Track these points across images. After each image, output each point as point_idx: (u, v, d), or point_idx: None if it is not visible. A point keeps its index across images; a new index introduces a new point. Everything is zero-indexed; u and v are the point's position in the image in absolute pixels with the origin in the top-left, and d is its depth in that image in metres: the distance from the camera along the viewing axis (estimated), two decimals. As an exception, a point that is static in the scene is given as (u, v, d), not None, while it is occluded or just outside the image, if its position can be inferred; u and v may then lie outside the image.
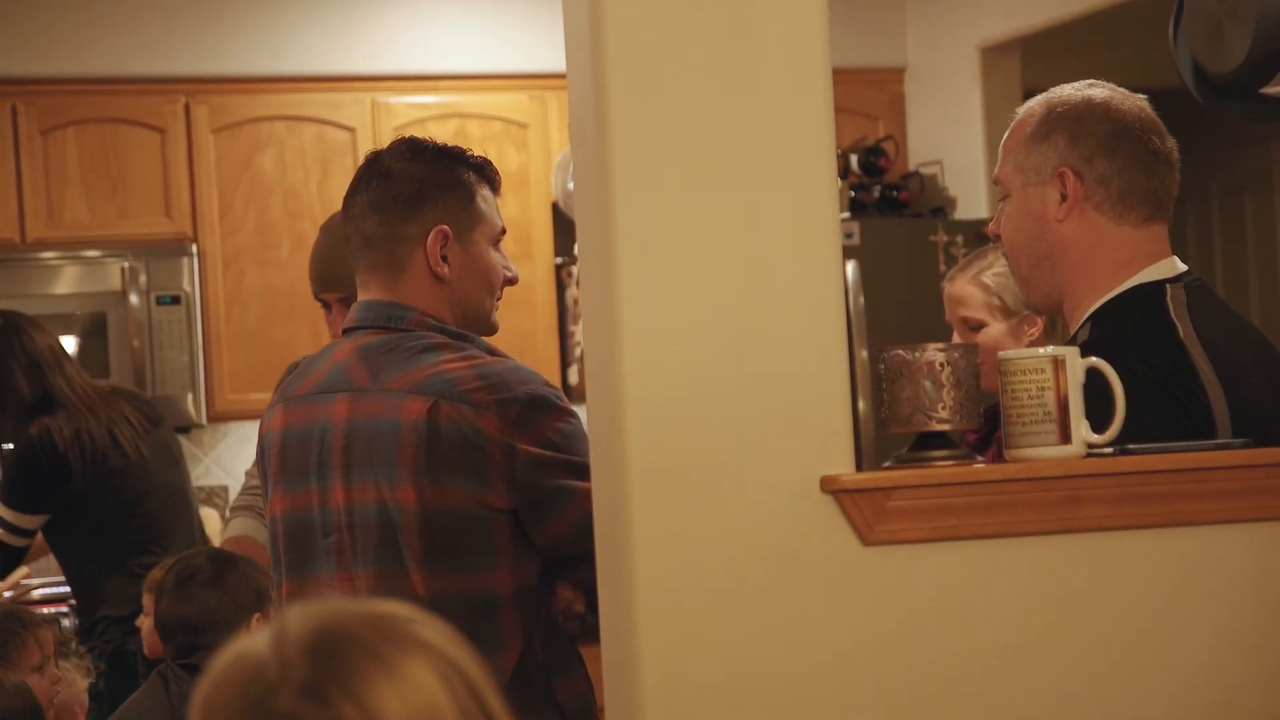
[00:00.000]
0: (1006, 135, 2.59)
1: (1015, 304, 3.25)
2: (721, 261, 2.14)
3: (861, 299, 5.88)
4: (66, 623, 5.23)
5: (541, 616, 2.56)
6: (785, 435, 2.14)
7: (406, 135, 2.77)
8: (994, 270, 3.27)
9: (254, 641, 1.35)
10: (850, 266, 5.89)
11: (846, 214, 6.09)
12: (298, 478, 2.57)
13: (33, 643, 3.64)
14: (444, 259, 2.62)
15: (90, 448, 4.68)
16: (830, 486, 2.14)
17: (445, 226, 2.62)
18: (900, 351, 2.21)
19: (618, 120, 2.12)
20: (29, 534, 4.74)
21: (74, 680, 3.87)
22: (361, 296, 2.66)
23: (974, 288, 3.32)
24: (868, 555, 2.15)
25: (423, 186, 2.63)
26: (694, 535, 2.11)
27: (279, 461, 2.61)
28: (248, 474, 3.99)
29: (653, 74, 2.13)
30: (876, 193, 6.26)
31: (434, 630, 1.36)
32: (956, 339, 3.31)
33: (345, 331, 2.66)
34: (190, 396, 5.67)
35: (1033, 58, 6.33)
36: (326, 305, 3.65)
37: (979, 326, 3.30)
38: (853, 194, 6.22)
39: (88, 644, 4.72)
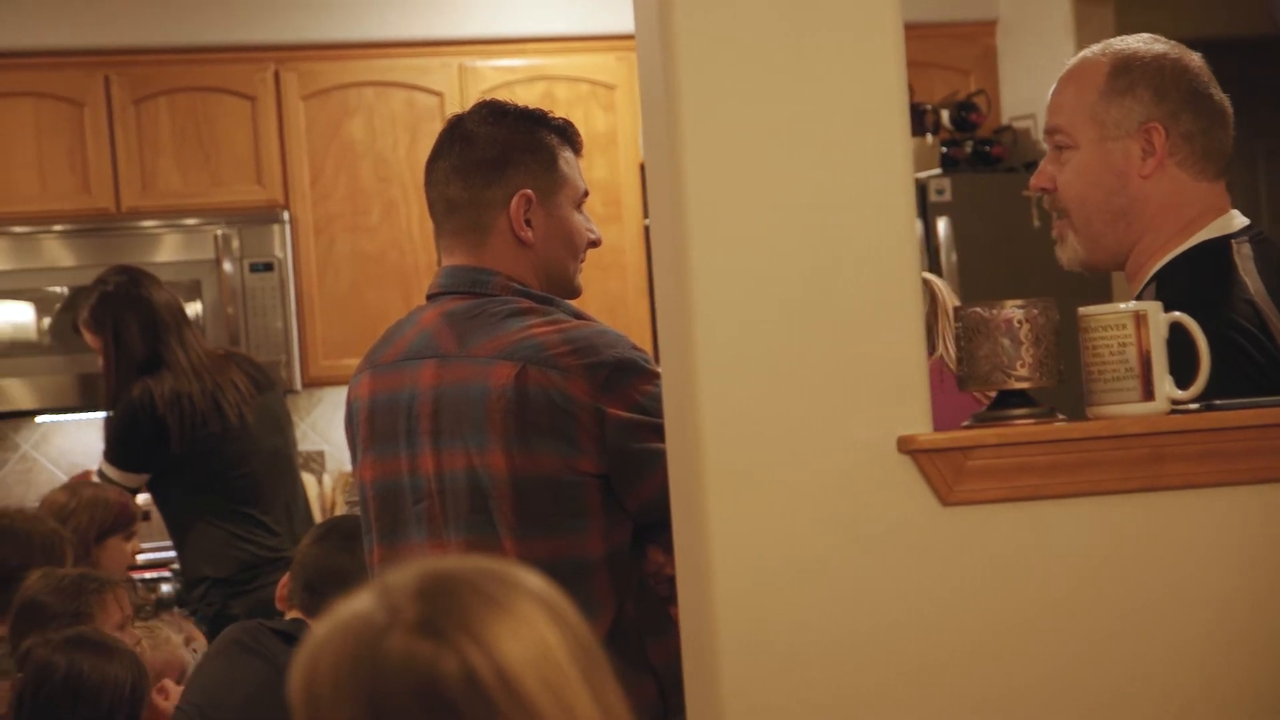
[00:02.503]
0: (1064, 85, 2.53)
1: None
2: (792, 220, 2.12)
3: (954, 256, 5.83)
4: (168, 587, 5.30)
5: (633, 579, 2.56)
6: (860, 395, 2.13)
7: (490, 99, 2.77)
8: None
9: (356, 600, 1.34)
10: (942, 223, 5.84)
11: (938, 170, 6.04)
12: (386, 444, 2.57)
13: (112, 602, 3.68)
14: (527, 223, 2.61)
15: (189, 411, 4.73)
16: (907, 446, 2.12)
17: (529, 190, 2.61)
18: (978, 309, 2.18)
19: (686, 79, 2.11)
20: (132, 492, 4.80)
21: (168, 638, 3.90)
22: (445, 262, 2.65)
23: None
24: (946, 516, 2.13)
25: (505, 150, 2.63)
26: (768, 498, 2.10)
27: (368, 428, 2.61)
28: None
29: (722, 30, 2.11)
30: (969, 148, 6.20)
31: (538, 580, 1.36)
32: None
33: (430, 297, 2.66)
34: (284, 362, 5.71)
35: (1126, 8, 6.24)
36: None
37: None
38: (944, 150, 6.16)
39: (189, 607, 4.78)
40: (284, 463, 4.98)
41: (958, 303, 3.61)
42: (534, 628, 1.31)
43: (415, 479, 2.53)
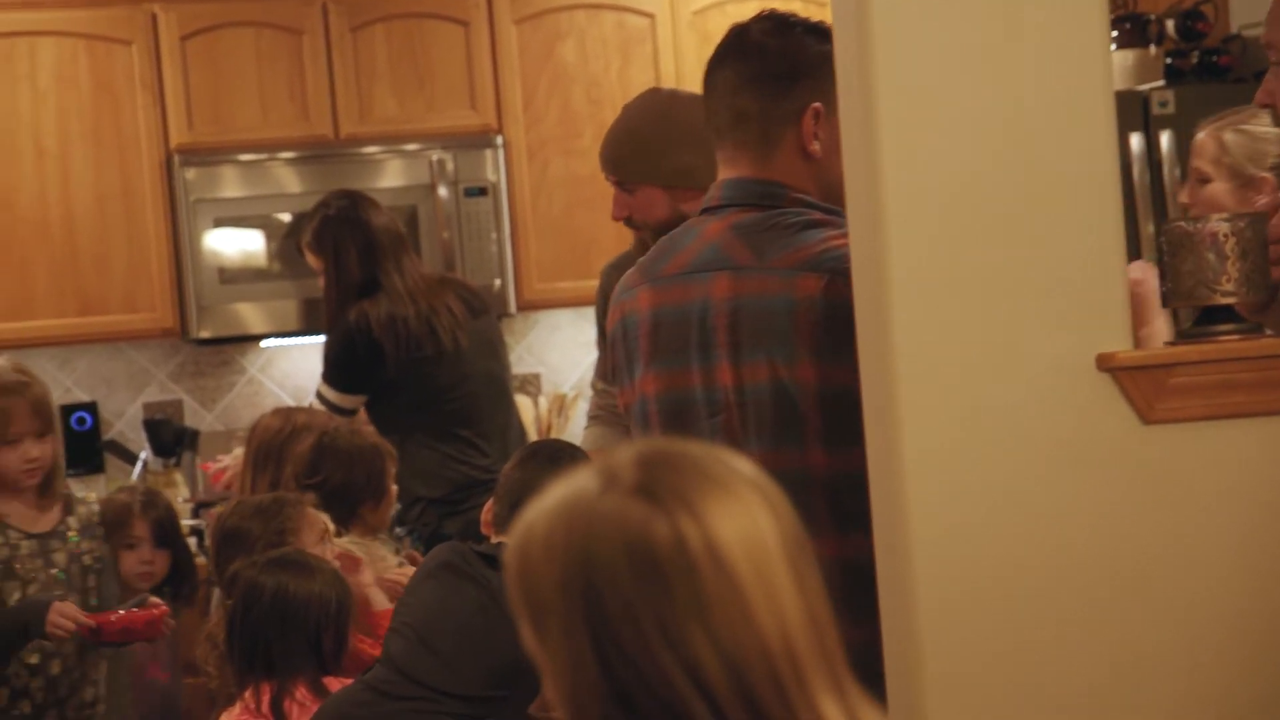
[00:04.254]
0: None
1: (1245, 166, 3.10)
2: (987, 136, 2.08)
3: (1178, 170, 5.67)
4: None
5: None
6: (1058, 313, 2.08)
7: (770, 9, 2.73)
8: (1238, 128, 3.12)
9: (574, 474, 1.36)
10: (1165, 137, 5.68)
11: (1161, 82, 5.87)
12: (674, 357, 2.55)
13: (309, 519, 3.75)
14: (815, 137, 2.57)
15: (404, 335, 4.80)
16: (1107, 364, 2.07)
17: (818, 104, 2.57)
18: (1181, 223, 2.12)
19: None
20: (349, 413, 4.87)
21: (384, 556, 3.97)
22: (726, 174, 2.61)
23: (1210, 141, 3.18)
24: (1147, 435, 2.09)
25: (796, 63, 2.60)
26: (964, 418, 2.07)
27: (650, 341, 2.58)
28: (593, 385, 3.99)
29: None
30: (1195, 58, 6.01)
31: (756, 469, 1.36)
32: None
33: (709, 210, 2.62)
34: (499, 286, 5.76)
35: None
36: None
37: (1206, 180, 3.16)
38: (1169, 61, 5.99)
39: (407, 526, 4.86)
40: (498, 386, 5.02)
41: None
42: (749, 510, 1.31)
43: (710, 392, 2.50)
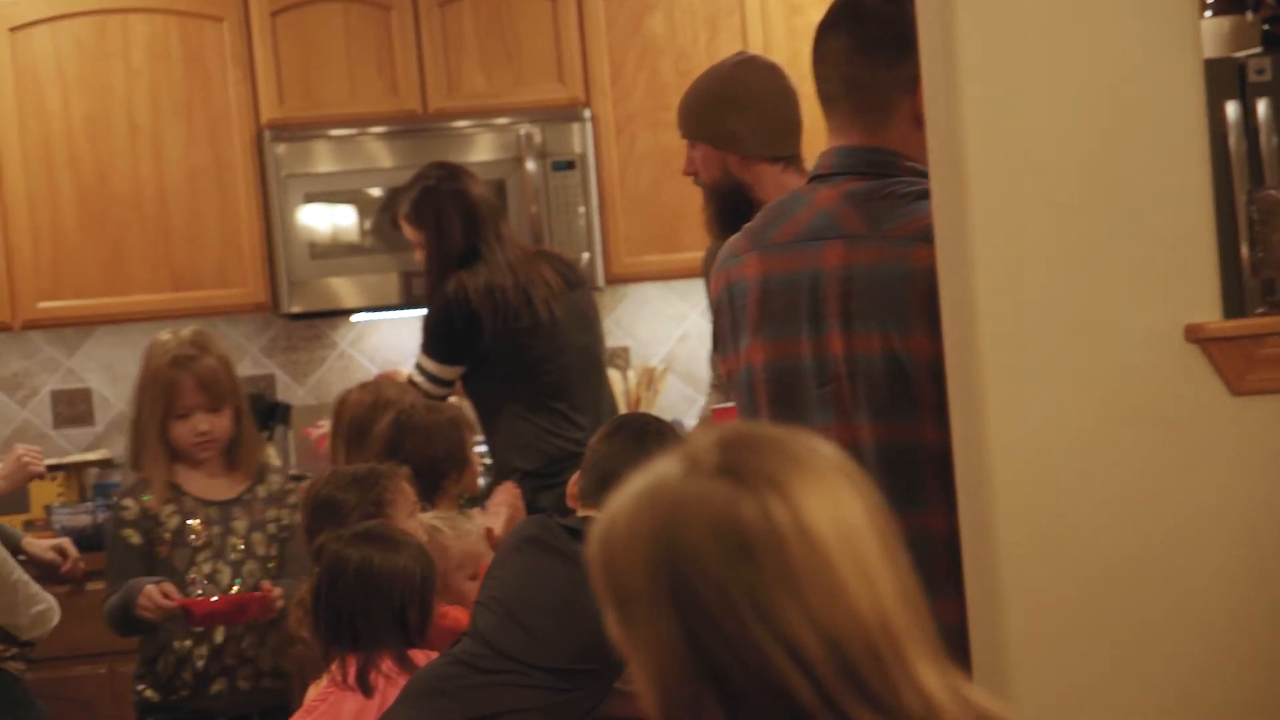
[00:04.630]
0: None
1: None
2: (1073, 104, 2.05)
3: (1275, 139, 5.59)
4: (482, 481, 5.40)
5: None
6: (1146, 283, 2.06)
7: None
8: None
9: (655, 462, 1.36)
10: (1261, 105, 5.60)
11: (1258, 49, 5.78)
12: (783, 326, 2.52)
13: (403, 492, 3.77)
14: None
15: (502, 305, 4.81)
16: (1195, 335, 2.05)
17: None
18: (1272, 191, 2.09)
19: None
20: (448, 384, 4.89)
21: (468, 530, 3.98)
22: (837, 142, 2.58)
23: None
24: (1236, 406, 2.06)
25: (908, 31, 2.56)
26: (1050, 389, 2.05)
27: (758, 309, 2.55)
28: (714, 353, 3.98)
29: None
30: (1292, 25, 5.92)
31: (839, 452, 1.36)
32: None
33: (817, 177, 2.59)
34: (587, 260, 5.76)
35: None
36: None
37: None
38: (1266, 27, 5.90)
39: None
40: (593, 359, 5.03)
41: None
42: (833, 488, 1.31)
43: (820, 361, 2.47)
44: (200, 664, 3.95)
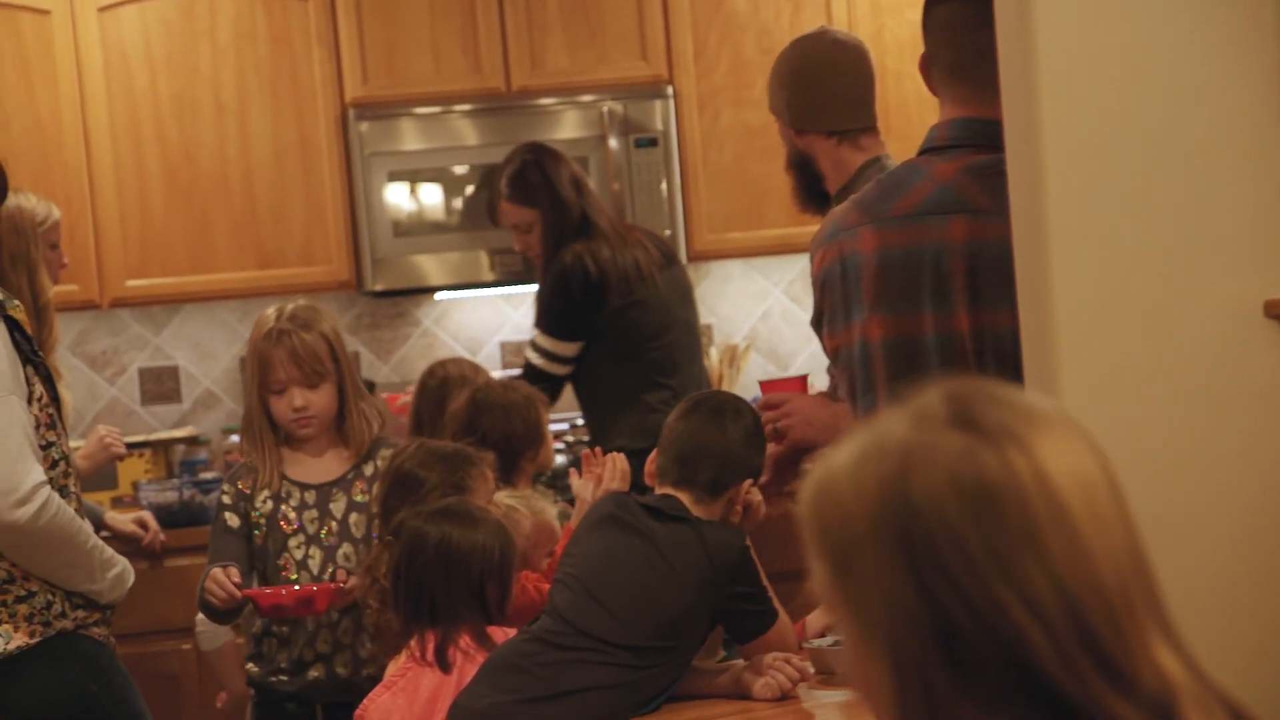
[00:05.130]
0: None
1: None
2: (1150, 78, 2.02)
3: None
4: (562, 459, 5.41)
5: None
6: (1224, 259, 2.03)
7: None
8: None
9: (876, 421, 1.31)
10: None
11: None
12: (903, 301, 2.49)
13: (487, 479, 3.77)
14: None
15: (619, 276, 4.79)
16: (1276, 310, 2.01)
17: None
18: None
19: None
20: (567, 361, 4.86)
21: (542, 508, 3.98)
22: (954, 114, 2.53)
23: None
24: (1317, 384, 2.02)
25: None
26: (1125, 366, 2.03)
27: (876, 284, 2.52)
28: None
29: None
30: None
31: (1075, 417, 1.31)
32: None
33: (933, 150, 2.54)
34: (670, 237, 5.75)
35: None
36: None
37: None
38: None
39: None
40: (694, 335, 5.01)
41: None
42: (1072, 444, 1.26)
43: (944, 338, 2.45)
44: (296, 650, 3.89)
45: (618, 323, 4.80)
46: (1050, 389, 2.05)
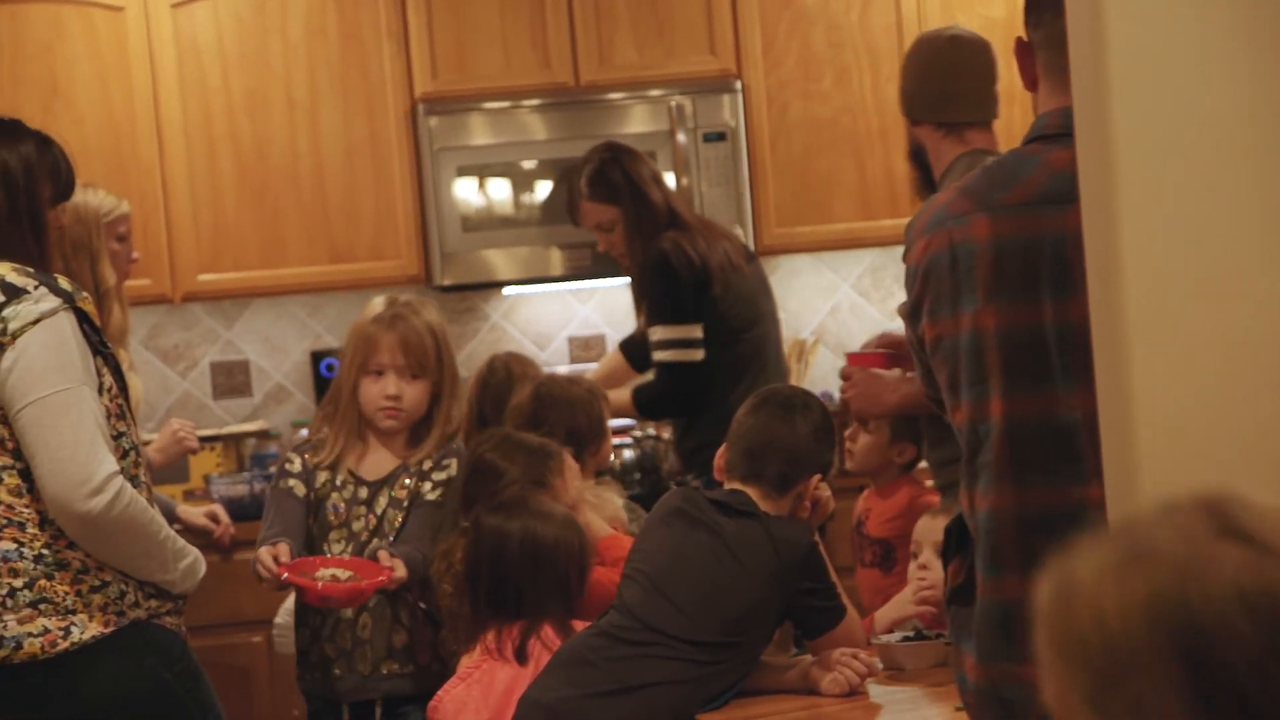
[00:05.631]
0: None
1: None
2: (1219, 62, 2.01)
3: None
4: (630, 453, 5.41)
5: None
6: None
7: None
8: None
9: (1128, 527, 1.27)
10: None
11: None
12: (1021, 290, 2.48)
13: (572, 470, 3.78)
14: None
15: (716, 264, 4.73)
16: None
17: None
18: None
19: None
20: (700, 345, 4.75)
21: (610, 499, 3.99)
22: (1063, 100, 2.51)
23: None
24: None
25: None
26: (1196, 355, 2.01)
27: (991, 273, 2.49)
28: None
29: None
30: None
31: None
32: None
33: (1044, 138, 2.53)
34: (740, 231, 5.74)
35: None
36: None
37: None
38: None
39: (693, 470, 4.74)
40: (777, 329, 4.99)
41: None
42: None
43: (1063, 329, 2.43)
44: (324, 645, 3.85)
45: (715, 311, 4.76)
46: (1120, 382, 2.04)
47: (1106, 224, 2.04)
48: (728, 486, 3.49)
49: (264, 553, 3.69)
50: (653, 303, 4.80)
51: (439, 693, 3.36)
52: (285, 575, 3.64)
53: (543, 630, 3.41)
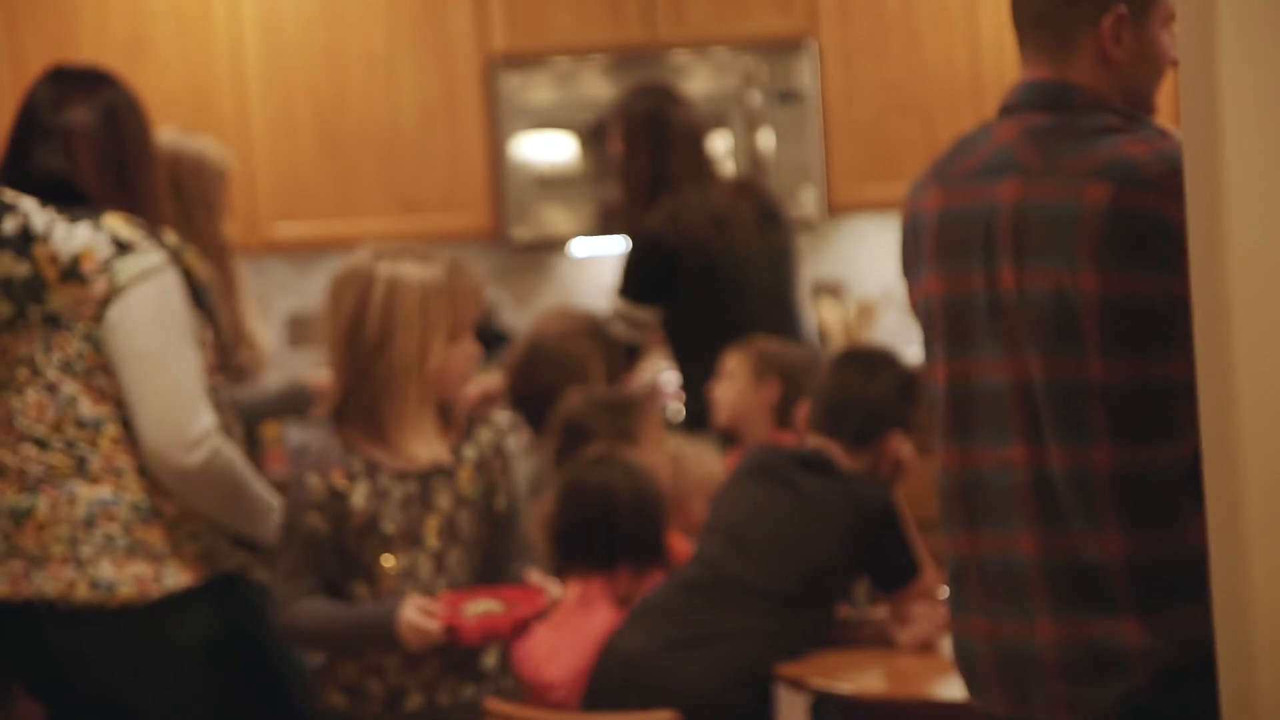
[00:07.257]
0: None
1: None
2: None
3: None
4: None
5: None
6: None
7: None
8: None
9: None
10: None
11: None
12: (959, 259, 2.53)
13: (656, 421, 3.83)
14: (1117, 40, 2.54)
15: (692, 240, 4.60)
16: None
17: (1123, 8, 2.53)
18: None
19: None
20: (642, 327, 4.67)
21: (704, 459, 4.02)
22: (1025, 76, 2.59)
23: None
24: None
25: None
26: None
27: (936, 242, 2.56)
28: None
29: None
30: None
31: None
32: None
33: (1006, 111, 2.61)
34: (811, 191, 5.78)
35: None
36: None
37: None
38: None
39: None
40: (780, 302, 4.75)
41: None
42: None
43: (993, 296, 2.48)
44: (392, 675, 3.11)
45: (694, 288, 4.62)
46: (1222, 359, 2.06)
47: (1211, 203, 2.07)
48: (811, 442, 3.55)
49: (417, 616, 3.01)
50: (620, 271, 4.71)
51: (527, 644, 3.38)
52: (447, 623, 3.01)
53: (647, 579, 3.46)
